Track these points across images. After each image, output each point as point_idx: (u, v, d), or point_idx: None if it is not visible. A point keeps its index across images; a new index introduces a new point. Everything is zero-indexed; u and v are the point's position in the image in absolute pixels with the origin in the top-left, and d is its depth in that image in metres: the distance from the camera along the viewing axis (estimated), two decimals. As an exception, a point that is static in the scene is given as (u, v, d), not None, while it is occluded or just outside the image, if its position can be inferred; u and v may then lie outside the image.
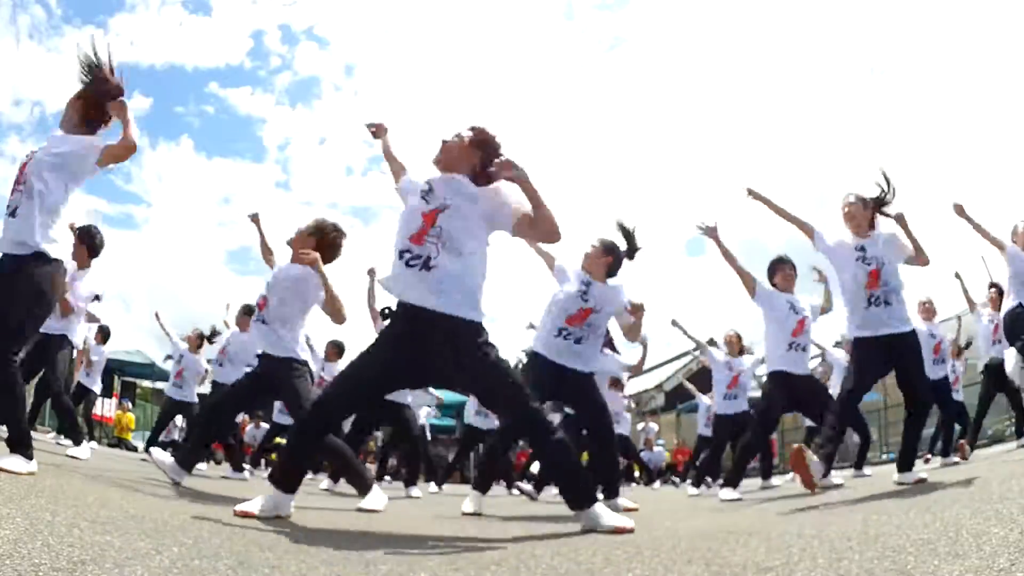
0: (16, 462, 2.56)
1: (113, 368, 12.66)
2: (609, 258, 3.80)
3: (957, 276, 6.28)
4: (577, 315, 3.68)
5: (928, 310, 6.25)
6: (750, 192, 3.93)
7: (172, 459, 3.81)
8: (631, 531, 2.18)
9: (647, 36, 48.07)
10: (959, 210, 4.58)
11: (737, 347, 6.71)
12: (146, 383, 17.25)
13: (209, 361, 7.37)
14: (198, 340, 7.26)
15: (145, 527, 1.78)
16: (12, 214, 2.72)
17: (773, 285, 4.54)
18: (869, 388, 3.70)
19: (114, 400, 14.25)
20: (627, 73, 49.04)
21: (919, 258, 3.65)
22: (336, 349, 7.15)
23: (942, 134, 44.19)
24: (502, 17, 48.00)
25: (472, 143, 2.50)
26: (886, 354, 3.55)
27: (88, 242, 4.60)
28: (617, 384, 7.46)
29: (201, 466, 6.36)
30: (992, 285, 6.18)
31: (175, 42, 41.02)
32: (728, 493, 4.30)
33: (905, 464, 3.57)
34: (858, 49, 45.59)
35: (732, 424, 6.32)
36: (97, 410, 11.40)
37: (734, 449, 7.22)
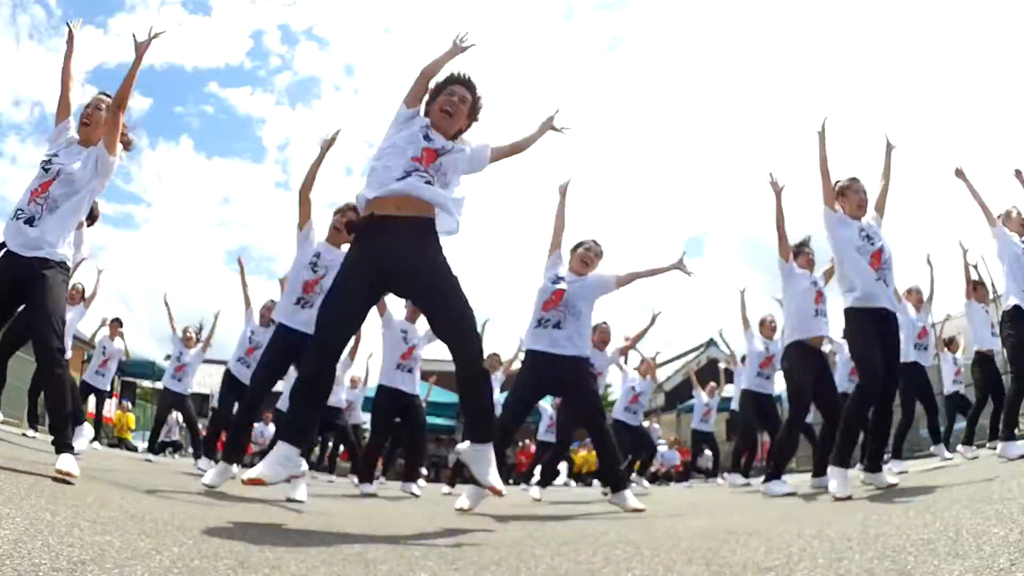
0: (72, 462, 2.64)
1: (113, 368, 12.69)
2: (596, 261, 3.99)
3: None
4: (551, 299, 3.79)
5: (918, 300, 6.18)
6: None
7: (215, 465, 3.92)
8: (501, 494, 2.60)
9: (647, 36, 48.09)
10: (959, 173, 4.68)
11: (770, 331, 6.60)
12: (146, 383, 17.24)
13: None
14: (195, 337, 7.51)
15: (145, 527, 1.78)
16: None
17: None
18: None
19: (114, 400, 14.25)
20: (627, 73, 49.08)
21: None
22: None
23: (942, 134, 44.19)
24: (502, 17, 48.01)
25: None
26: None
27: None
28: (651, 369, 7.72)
29: (202, 464, 6.40)
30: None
31: (175, 42, 41.03)
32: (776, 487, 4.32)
33: (875, 464, 3.56)
34: (858, 49, 45.63)
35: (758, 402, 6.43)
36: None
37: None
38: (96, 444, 7.76)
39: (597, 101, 50.30)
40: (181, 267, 47.50)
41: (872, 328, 3.50)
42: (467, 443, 2.61)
